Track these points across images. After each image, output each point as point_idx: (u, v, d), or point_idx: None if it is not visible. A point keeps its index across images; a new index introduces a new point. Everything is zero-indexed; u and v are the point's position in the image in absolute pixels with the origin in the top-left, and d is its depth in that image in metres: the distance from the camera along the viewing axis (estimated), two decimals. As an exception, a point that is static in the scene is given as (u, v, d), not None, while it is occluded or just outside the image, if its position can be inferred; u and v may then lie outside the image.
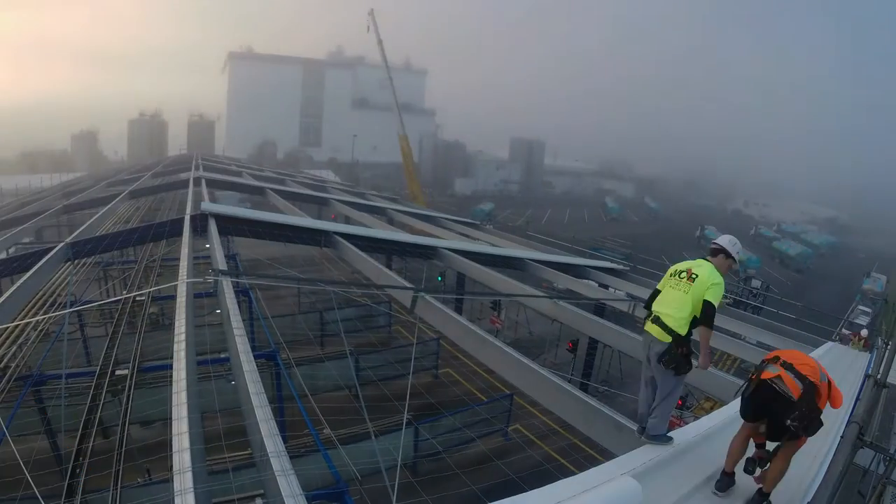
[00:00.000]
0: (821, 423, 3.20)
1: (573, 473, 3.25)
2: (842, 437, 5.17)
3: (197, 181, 18.81)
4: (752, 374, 3.44)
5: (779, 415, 3.20)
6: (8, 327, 6.93)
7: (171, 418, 3.57)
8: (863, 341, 11.48)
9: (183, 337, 4.90)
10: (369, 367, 13.00)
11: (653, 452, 3.71)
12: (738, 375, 7.59)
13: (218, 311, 6.97)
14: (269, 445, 3.49)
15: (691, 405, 10.98)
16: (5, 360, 6.64)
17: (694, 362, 3.52)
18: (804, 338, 11.25)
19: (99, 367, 6.87)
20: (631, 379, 14.14)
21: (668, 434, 3.80)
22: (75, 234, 11.50)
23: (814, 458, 4.63)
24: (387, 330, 17.79)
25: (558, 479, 3.09)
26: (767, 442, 3.57)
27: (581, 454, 10.94)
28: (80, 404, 6.04)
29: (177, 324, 5.27)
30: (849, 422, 5.61)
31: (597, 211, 67.81)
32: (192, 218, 10.55)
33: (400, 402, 7.50)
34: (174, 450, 3.25)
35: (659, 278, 3.95)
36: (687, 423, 4.88)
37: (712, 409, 8.95)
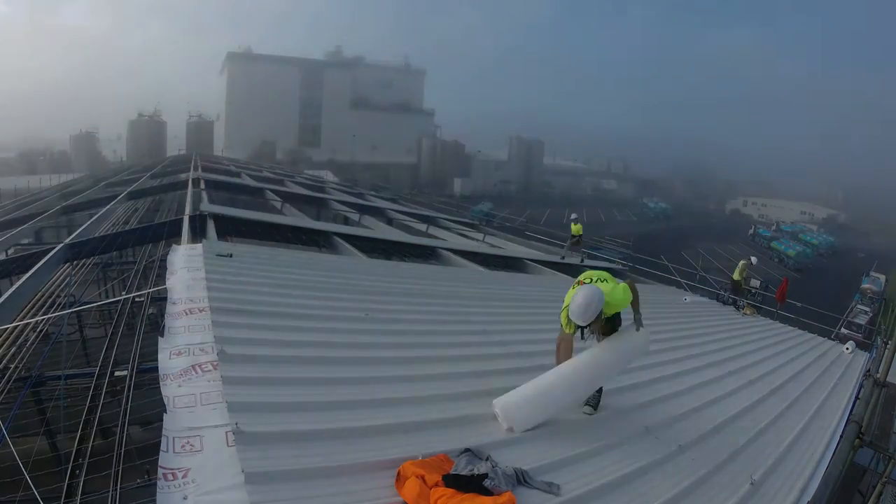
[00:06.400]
0: None
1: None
2: (841, 436, 5.18)
3: (196, 182, 18.79)
4: None
5: None
6: (7, 328, 6.92)
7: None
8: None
9: (182, 337, 4.89)
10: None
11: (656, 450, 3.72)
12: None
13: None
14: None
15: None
16: (4, 360, 6.62)
17: None
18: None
19: (98, 368, 6.85)
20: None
21: None
22: (74, 234, 11.49)
23: (812, 456, 4.64)
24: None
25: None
26: None
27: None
28: (79, 405, 6.03)
29: (176, 324, 5.26)
30: (848, 421, 5.63)
31: (595, 211, 67.90)
32: (192, 219, 10.54)
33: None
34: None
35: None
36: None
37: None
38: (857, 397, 6.81)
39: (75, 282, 10.32)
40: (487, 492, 2.61)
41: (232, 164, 37.21)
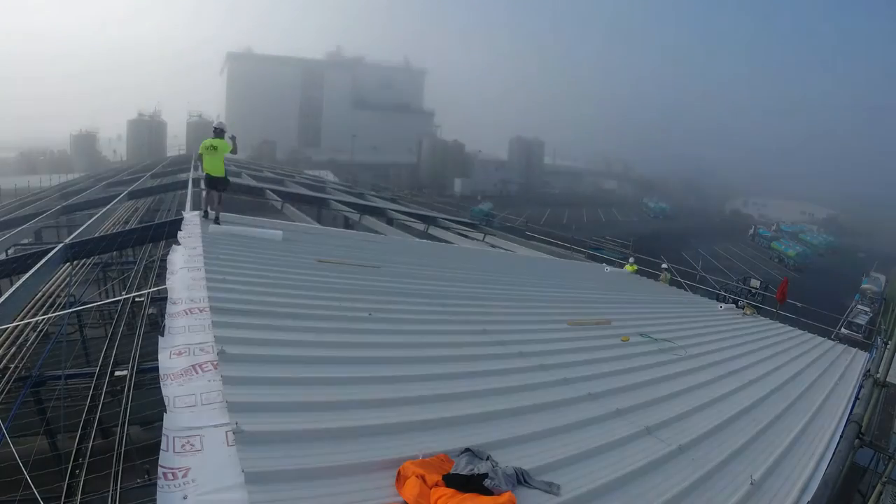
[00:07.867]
0: None
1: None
2: (841, 436, 5.19)
3: (196, 182, 18.77)
4: None
5: None
6: (7, 328, 6.92)
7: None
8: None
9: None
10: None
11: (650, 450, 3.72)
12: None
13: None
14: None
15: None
16: (4, 360, 6.63)
17: None
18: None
19: (98, 368, 6.86)
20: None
21: None
22: (74, 234, 11.47)
23: (812, 456, 4.64)
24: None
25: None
26: None
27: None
28: (79, 405, 6.04)
29: (176, 324, 5.26)
30: (848, 421, 5.63)
31: (595, 211, 67.96)
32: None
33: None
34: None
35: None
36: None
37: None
38: (857, 397, 6.81)
39: (75, 282, 10.32)
40: (487, 492, 2.62)
41: (232, 163, 37.18)
